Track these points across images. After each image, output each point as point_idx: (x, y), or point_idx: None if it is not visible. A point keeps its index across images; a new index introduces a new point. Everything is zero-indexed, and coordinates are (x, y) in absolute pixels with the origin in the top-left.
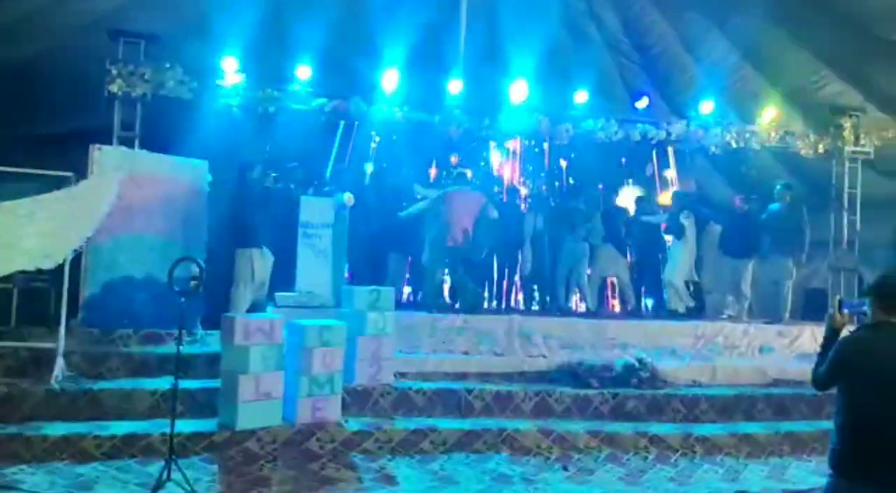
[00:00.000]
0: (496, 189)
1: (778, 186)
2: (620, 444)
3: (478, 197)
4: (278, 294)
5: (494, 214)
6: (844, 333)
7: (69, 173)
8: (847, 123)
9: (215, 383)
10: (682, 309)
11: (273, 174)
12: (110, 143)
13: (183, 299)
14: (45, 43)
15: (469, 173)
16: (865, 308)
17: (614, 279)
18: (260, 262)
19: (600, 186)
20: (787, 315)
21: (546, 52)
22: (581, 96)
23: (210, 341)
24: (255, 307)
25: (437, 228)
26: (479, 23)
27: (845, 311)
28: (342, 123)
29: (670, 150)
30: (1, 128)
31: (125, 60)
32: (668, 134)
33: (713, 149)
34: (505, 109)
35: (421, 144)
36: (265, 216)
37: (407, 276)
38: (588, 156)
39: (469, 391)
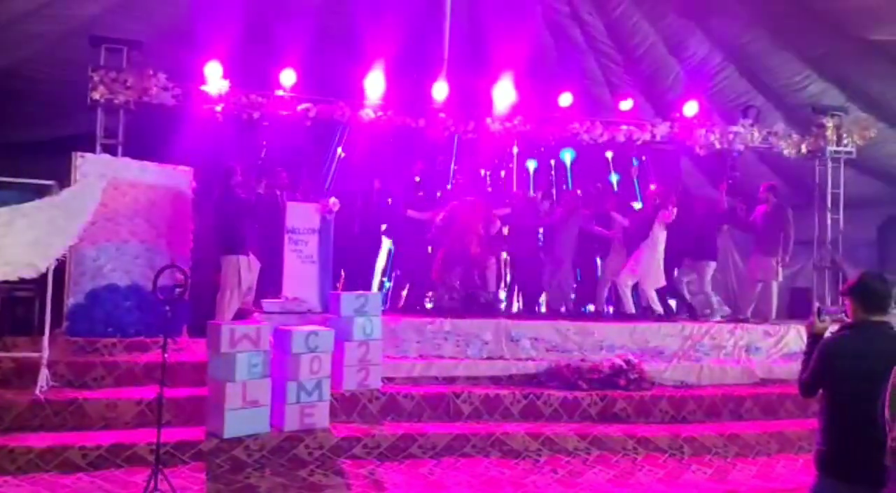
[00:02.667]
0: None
1: (762, 188)
2: (609, 445)
3: (480, 203)
4: (265, 301)
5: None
6: (827, 335)
7: (51, 182)
8: (829, 123)
9: (202, 392)
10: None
11: (264, 181)
12: (93, 150)
13: (168, 307)
14: (26, 50)
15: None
16: (843, 315)
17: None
18: (247, 269)
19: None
20: (773, 315)
21: (530, 55)
22: (565, 98)
23: (196, 349)
24: (241, 314)
25: (449, 240)
26: (463, 26)
27: (825, 318)
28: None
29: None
30: None
31: (107, 67)
32: (653, 135)
33: (698, 150)
34: (490, 111)
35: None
36: (251, 223)
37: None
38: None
39: (457, 395)
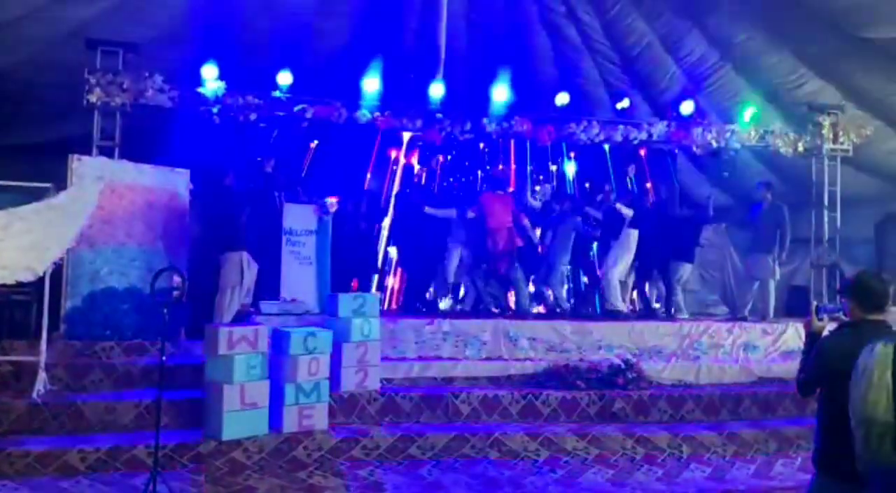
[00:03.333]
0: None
1: (758, 186)
2: (608, 445)
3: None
4: (263, 302)
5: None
6: (825, 334)
7: (48, 184)
8: (826, 121)
9: (200, 394)
10: (624, 309)
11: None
12: (89, 153)
13: (166, 310)
14: (22, 54)
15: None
16: (841, 314)
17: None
18: (247, 266)
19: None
20: (771, 314)
21: (526, 55)
22: (562, 98)
23: (194, 351)
24: (239, 316)
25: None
26: (460, 25)
27: (823, 316)
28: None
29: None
30: None
31: (104, 69)
32: (650, 135)
33: (695, 149)
34: (487, 112)
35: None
36: (251, 217)
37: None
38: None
39: (456, 396)
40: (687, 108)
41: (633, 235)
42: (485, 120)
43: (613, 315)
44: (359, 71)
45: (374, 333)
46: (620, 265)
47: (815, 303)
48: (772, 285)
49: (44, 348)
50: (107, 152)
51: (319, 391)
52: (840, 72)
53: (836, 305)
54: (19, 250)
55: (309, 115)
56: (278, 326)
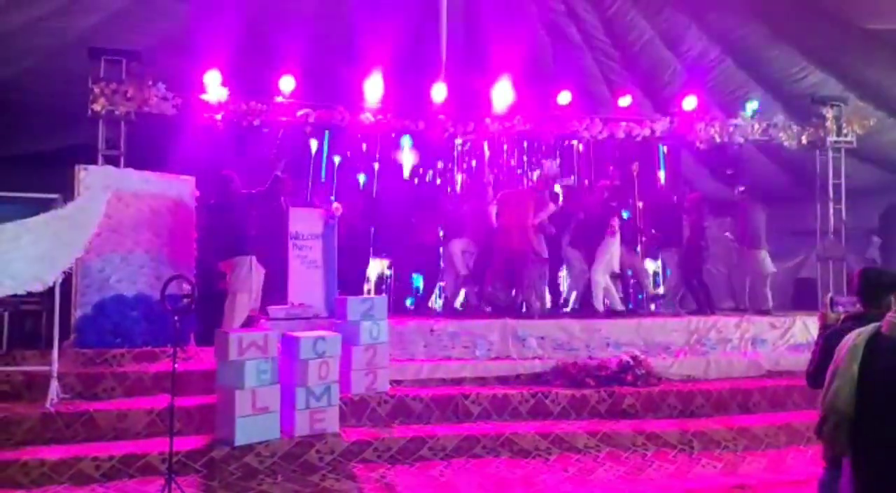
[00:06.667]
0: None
1: (736, 191)
2: (619, 442)
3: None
4: (271, 307)
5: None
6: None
7: (55, 195)
8: (829, 114)
9: (211, 400)
10: (618, 307)
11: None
12: (95, 162)
13: (176, 317)
14: (24, 64)
15: None
16: (858, 306)
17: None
18: (255, 271)
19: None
20: (769, 305)
21: (527, 54)
22: (564, 97)
23: (204, 358)
24: (247, 321)
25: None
26: (460, 27)
27: (838, 308)
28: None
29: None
30: None
31: (107, 79)
32: (653, 131)
33: (698, 144)
34: (489, 112)
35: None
36: (258, 224)
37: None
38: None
39: (466, 396)
40: (689, 103)
41: (615, 245)
42: (487, 120)
43: (620, 313)
44: (361, 74)
45: (383, 335)
46: (601, 266)
47: (830, 295)
48: (766, 279)
49: (55, 358)
50: (112, 161)
51: (330, 395)
52: (842, 64)
53: (851, 298)
54: (28, 260)
55: (312, 119)
56: (287, 330)
